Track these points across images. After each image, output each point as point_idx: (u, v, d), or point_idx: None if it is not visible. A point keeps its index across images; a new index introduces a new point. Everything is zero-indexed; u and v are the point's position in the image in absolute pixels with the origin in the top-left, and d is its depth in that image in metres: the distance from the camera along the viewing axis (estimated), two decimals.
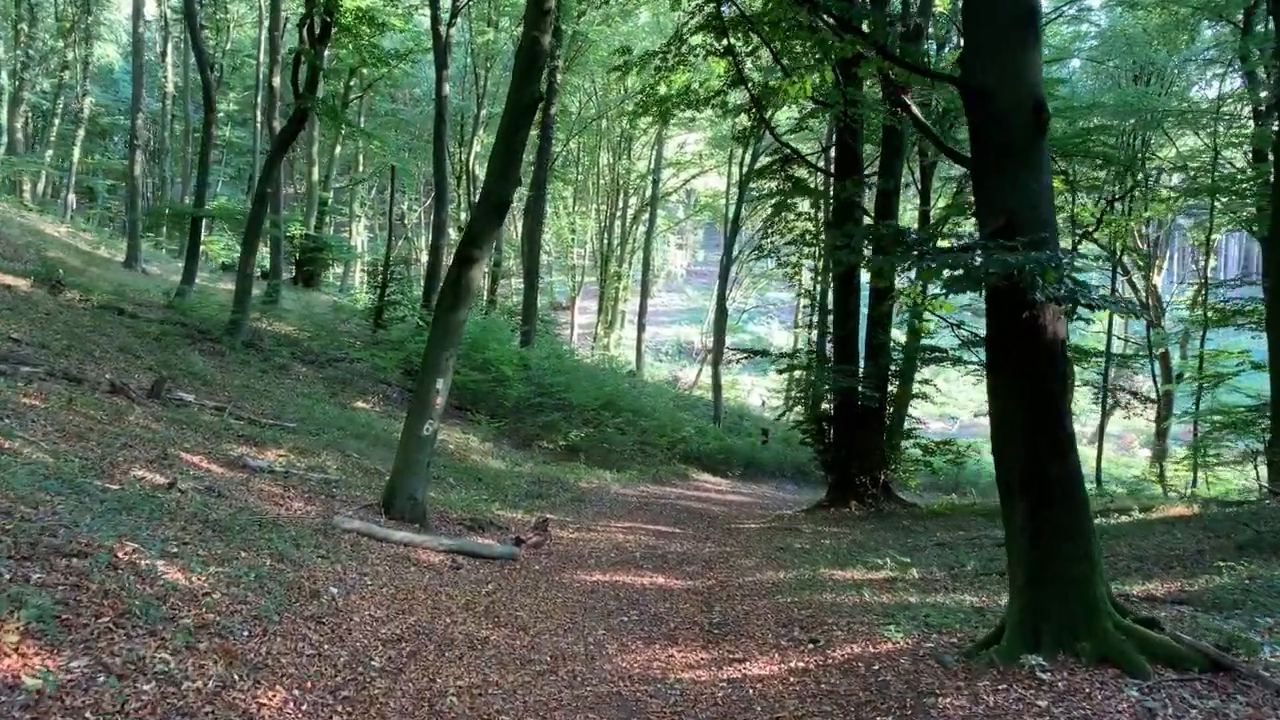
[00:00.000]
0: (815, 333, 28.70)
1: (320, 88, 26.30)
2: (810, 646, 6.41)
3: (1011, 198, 5.27)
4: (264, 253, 27.78)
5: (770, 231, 19.52)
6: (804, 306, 48.61)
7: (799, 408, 34.74)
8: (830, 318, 18.38)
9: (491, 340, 22.97)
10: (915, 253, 5.15)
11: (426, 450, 10.51)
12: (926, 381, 16.05)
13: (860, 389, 14.65)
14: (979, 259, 4.70)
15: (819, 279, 25.20)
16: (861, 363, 15.76)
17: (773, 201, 18.31)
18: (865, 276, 16.36)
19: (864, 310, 16.10)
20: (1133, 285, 31.80)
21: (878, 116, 14.76)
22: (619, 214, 44.21)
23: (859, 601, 7.89)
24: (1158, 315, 30.59)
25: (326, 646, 5.33)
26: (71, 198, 32.34)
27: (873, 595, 8.13)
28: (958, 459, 16.84)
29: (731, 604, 8.34)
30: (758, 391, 46.38)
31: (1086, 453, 27.87)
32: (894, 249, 5.18)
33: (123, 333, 15.76)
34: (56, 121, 37.27)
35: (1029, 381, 5.27)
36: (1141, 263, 31.14)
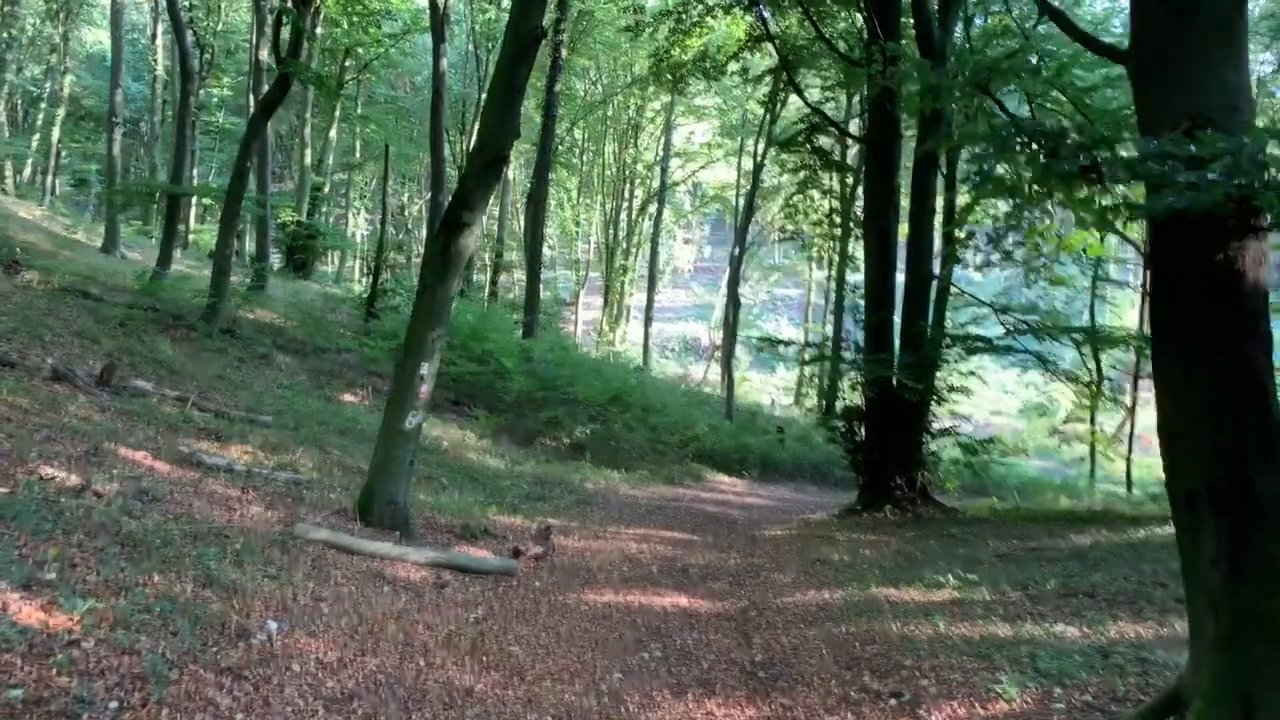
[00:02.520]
0: (834, 322, 27.16)
1: (314, 61, 24.90)
2: (893, 703, 4.91)
3: (1197, 93, 3.78)
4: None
5: (794, 212, 17.97)
6: (815, 302, 47.29)
7: (814, 405, 33.33)
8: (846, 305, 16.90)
9: (491, 330, 21.53)
10: (1086, 162, 3.61)
11: (410, 446, 9.03)
12: (972, 373, 14.50)
13: (902, 380, 13.10)
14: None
15: (834, 265, 23.72)
16: (896, 353, 14.27)
17: (797, 179, 16.76)
18: (900, 269, 14.91)
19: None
20: None
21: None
22: (625, 205, 42.69)
23: (935, 634, 6.38)
24: None
25: (240, 717, 3.84)
26: (51, 181, 30.84)
27: (949, 625, 6.63)
28: (1002, 459, 15.29)
29: (774, 634, 6.84)
30: (768, 390, 44.91)
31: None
32: (1048, 155, 3.65)
33: (83, 316, 14.29)
34: (44, 106, 35.87)
35: (1224, 355, 3.76)
36: None
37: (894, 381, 13.54)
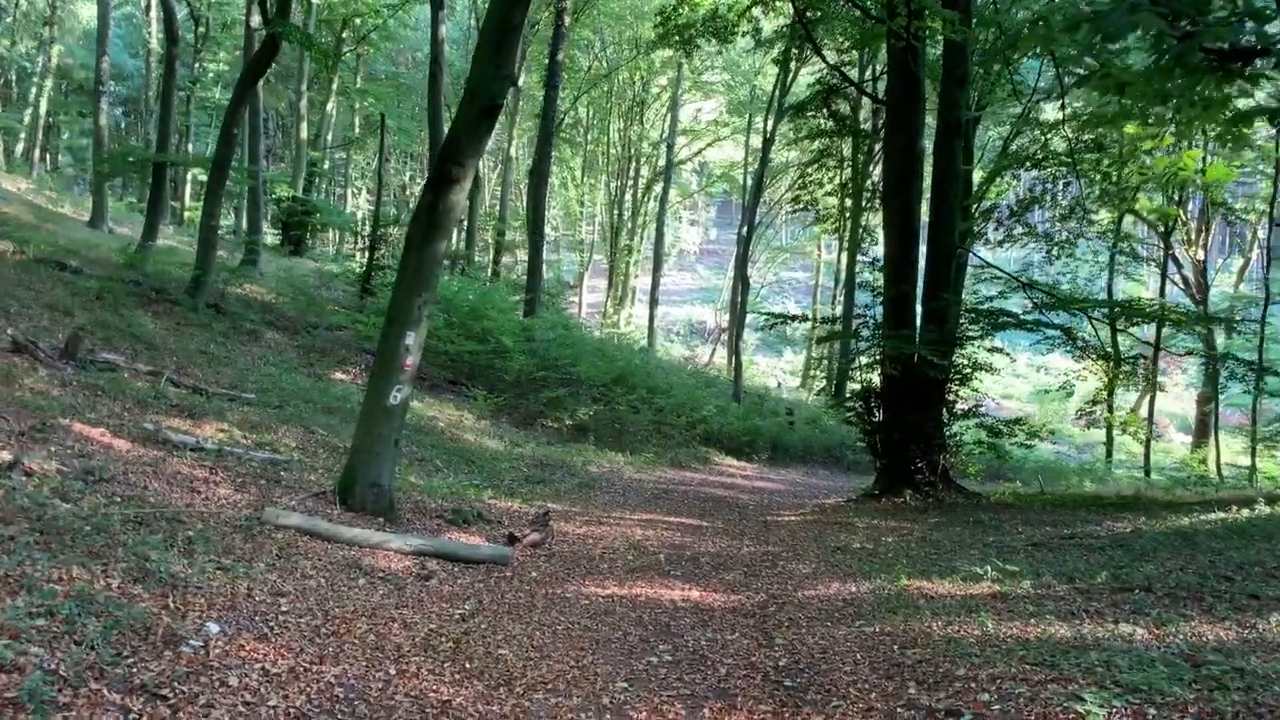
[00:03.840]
0: (845, 298, 26.22)
1: (311, 29, 24.01)
2: None
3: None
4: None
5: (808, 182, 17.05)
6: (824, 284, 46.37)
7: (823, 388, 32.52)
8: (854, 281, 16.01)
9: (491, 308, 20.71)
10: None
11: (395, 423, 8.25)
12: (997, 349, 13.65)
13: (925, 357, 12.26)
14: None
15: (847, 238, 22.78)
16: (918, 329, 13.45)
17: (812, 148, 15.85)
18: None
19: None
20: (1176, 261, 29.51)
21: (943, 31, 12.37)
22: (630, 185, 41.73)
23: (984, 635, 5.60)
24: (1203, 292, 28.21)
25: None
26: (38, 154, 30.00)
27: (998, 624, 5.84)
28: (1027, 442, 14.47)
29: (798, 633, 6.06)
30: (774, 373, 44.20)
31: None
32: None
33: (57, 288, 13.54)
34: (35, 80, 34.98)
35: None
36: (1189, 237, 28.75)
37: (915, 359, 12.72)
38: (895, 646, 5.51)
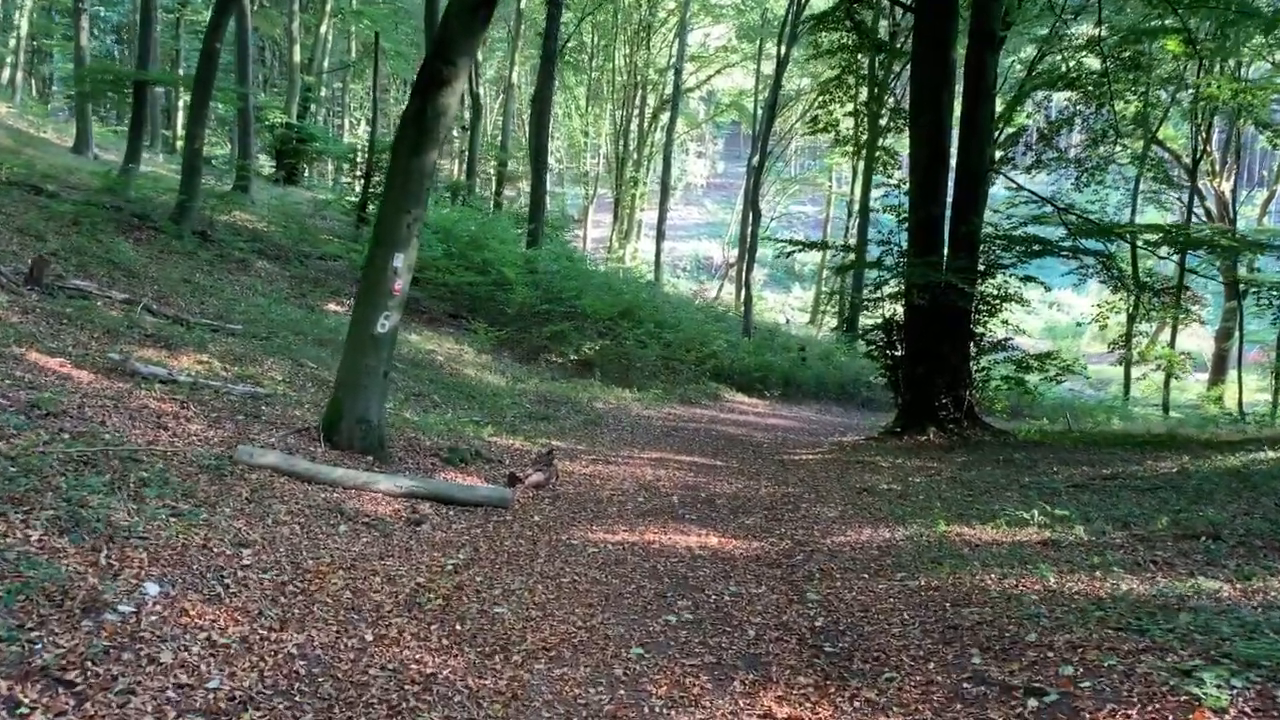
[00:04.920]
0: (859, 224, 25.20)
1: None
2: (1033, 705, 3.44)
3: None
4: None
5: (829, 100, 16.00)
6: (835, 216, 45.23)
7: (834, 324, 31.70)
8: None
9: (492, 239, 19.82)
10: None
11: (382, 353, 7.51)
12: (1030, 279, 12.81)
13: (953, 285, 11.43)
14: None
15: (863, 159, 21.66)
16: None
17: (832, 63, 14.80)
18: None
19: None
20: (1200, 193, 28.39)
21: None
22: (636, 113, 40.31)
23: (1047, 591, 4.92)
24: (1229, 224, 27.17)
25: None
26: (20, 77, 28.81)
27: (1060, 578, 5.16)
28: (1060, 377, 13.72)
29: (833, 587, 5.40)
30: (783, 309, 43.36)
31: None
32: None
33: (30, 212, 12.72)
34: (19, 2, 33.60)
35: None
36: (1213, 168, 27.59)
37: (942, 287, 11.89)
38: (947, 604, 4.83)
